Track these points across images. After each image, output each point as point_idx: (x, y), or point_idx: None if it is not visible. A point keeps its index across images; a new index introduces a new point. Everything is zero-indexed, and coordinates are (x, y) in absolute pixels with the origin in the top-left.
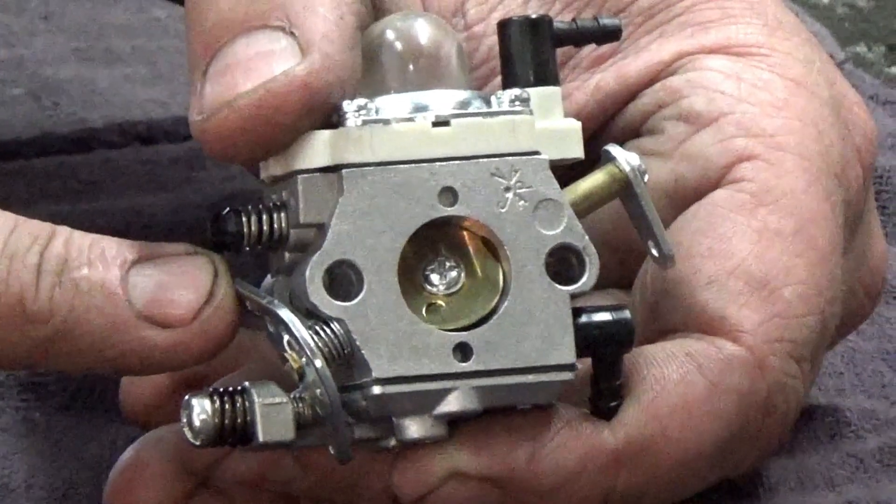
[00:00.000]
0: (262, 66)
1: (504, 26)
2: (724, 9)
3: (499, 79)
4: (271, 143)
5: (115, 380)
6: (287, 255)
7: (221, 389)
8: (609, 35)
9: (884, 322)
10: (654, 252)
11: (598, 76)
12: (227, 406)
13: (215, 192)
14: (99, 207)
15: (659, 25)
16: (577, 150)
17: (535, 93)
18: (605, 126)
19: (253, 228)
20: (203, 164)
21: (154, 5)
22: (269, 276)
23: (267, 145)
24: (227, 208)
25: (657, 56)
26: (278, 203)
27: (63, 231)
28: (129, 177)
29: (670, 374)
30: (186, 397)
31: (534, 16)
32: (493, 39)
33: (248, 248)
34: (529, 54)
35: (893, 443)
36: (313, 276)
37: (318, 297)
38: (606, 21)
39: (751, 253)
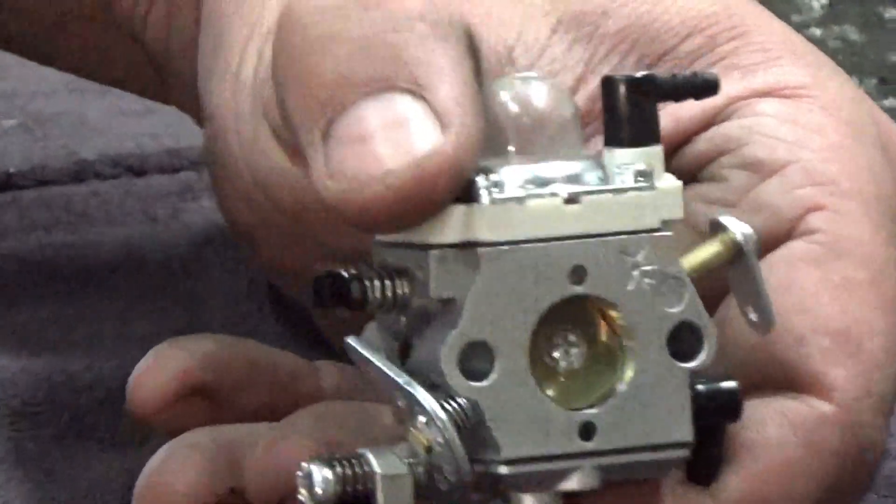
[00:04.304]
0: (402, 137)
1: (609, 84)
2: (767, 51)
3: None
4: (417, 219)
5: (107, 410)
6: (403, 318)
7: (339, 456)
8: (708, 89)
9: None
10: (753, 317)
11: None
12: (348, 474)
13: (207, 223)
14: (91, 239)
15: (705, 68)
16: (678, 211)
17: (639, 153)
18: None
19: (377, 294)
20: (194, 196)
21: None
22: (369, 324)
23: (412, 221)
24: (347, 273)
25: (710, 101)
26: (399, 268)
27: None
28: (121, 208)
29: (768, 437)
30: (305, 465)
31: (639, 75)
32: None
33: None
34: (634, 113)
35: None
36: (449, 357)
37: (454, 378)
38: (706, 74)
39: (834, 308)
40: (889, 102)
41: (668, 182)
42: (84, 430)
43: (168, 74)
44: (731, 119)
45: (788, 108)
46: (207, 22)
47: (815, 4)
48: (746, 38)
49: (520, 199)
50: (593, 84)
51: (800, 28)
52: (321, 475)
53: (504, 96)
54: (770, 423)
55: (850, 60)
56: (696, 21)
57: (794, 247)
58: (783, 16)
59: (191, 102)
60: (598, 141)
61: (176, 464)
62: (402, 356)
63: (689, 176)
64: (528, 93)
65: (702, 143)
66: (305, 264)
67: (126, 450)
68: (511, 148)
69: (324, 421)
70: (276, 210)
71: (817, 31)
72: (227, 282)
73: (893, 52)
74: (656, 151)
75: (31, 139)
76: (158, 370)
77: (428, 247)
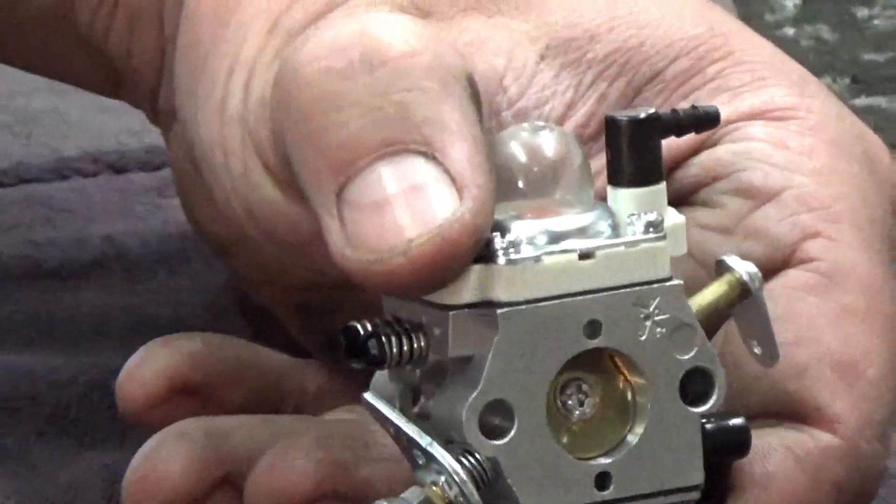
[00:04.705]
0: (421, 204)
1: (613, 124)
2: (753, 71)
3: None
4: (439, 285)
5: (88, 405)
6: (418, 371)
7: None
8: (709, 122)
9: None
10: (758, 351)
11: None
12: None
13: (186, 219)
14: (72, 235)
15: (694, 90)
16: (682, 247)
17: (642, 192)
18: None
19: (394, 351)
20: (173, 193)
21: None
22: (378, 373)
23: (434, 287)
24: (363, 330)
25: None
26: (415, 324)
27: None
28: (102, 205)
29: (772, 469)
30: None
31: (643, 115)
32: (540, 112)
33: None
34: (638, 153)
35: None
36: (470, 418)
37: (475, 438)
38: (706, 108)
39: (835, 338)
40: (861, 101)
41: (672, 219)
42: (65, 426)
43: (127, 79)
44: (722, 143)
45: (777, 130)
46: (184, 49)
47: (789, 4)
48: (732, 59)
49: (536, 259)
50: (583, 110)
51: (773, 27)
52: None
53: (514, 146)
54: (774, 456)
55: (823, 59)
56: (683, 43)
57: (793, 275)
58: (757, 15)
59: (147, 102)
60: (593, 162)
61: (167, 452)
62: (414, 401)
63: (682, 200)
64: (541, 144)
65: (694, 168)
66: (281, 277)
67: (107, 445)
68: (521, 196)
69: (324, 440)
70: (268, 240)
71: (790, 31)
72: (206, 276)
73: (866, 51)
74: (660, 189)
75: (13, 137)
76: (147, 368)
77: (446, 307)
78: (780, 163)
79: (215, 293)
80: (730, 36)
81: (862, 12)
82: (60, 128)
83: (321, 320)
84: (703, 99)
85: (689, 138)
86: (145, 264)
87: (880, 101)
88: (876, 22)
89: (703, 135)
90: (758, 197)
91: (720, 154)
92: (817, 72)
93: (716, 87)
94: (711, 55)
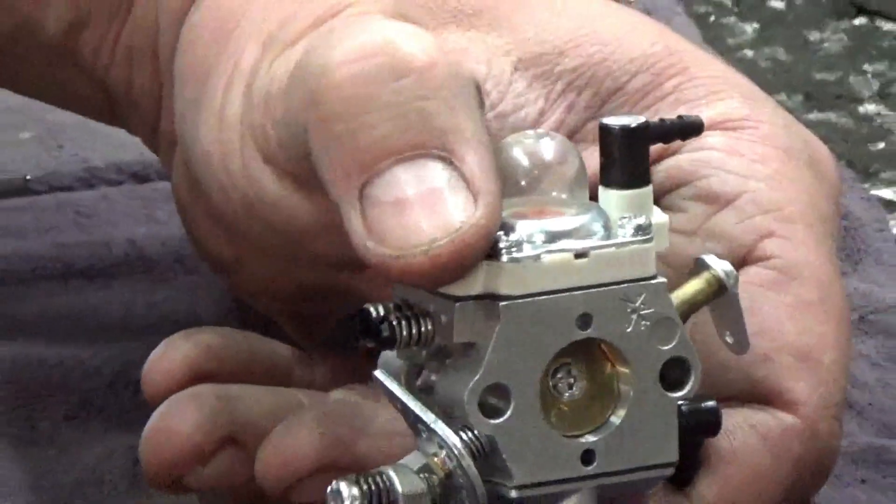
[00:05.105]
0: (440, 207)
1: (606, 131)
2: (706, 85)
3: None
4: (451, 280)
5: (113, 394)
6: (424, 352)
7: (364, 475)
8: (693, 130)
9: None
10: (730, 341)
11: None
12: (373, 489)
13: None
14: (99, 239)
15: (653, 104)
16: (664, 242)
17: (632, 194)
18: None
19: (404, 333)
20: None
21: None
22: (385, 352)
23: (447, 282)
24: (376, 313)
25: None
26: (423, 310)
27: None
28: (126, 211)
29: (739, 445)
30: (334, 483)
31: (634, 124)
32: (516, 117)
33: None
34: (629, 158)
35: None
36: (471, 400)
37: (475, 418)
38: (690, 117)
39: (793, 328)
40: (814, 116)
41: (657, 217)
42: (92, 411)
43: (128, 109)
44: (683, 152)
45: (732, 140)
46: (184, 73)
47: (748, 28)
48: (687, 74)
49: (536, 257)
50: (553, 117)
51: (734, 50)
52: (349, 492)
53: (517, 151)
54: (741, 434)
55: (779, 78)
56: (642, 60)
57: (752, 272)
58: (719, 38)
59: (146, 131)
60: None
61: (179, 409)
62: (417, 376)
63: None
64: (541, 149)
65: (658, 175)
66: (285, 285)
67: (130, 428)
68: (522, 197)
69: (326, 419)
70: (268, 232)
71: (749, 53)
72: None
73: (817, 71)
74: (647, 192)
75: (45, 149)
76: (169, 359)
77: (452, 298)
78: (736, 169)
79: (228, 291)
80: (684, 54)
81: (814, 36)
82: (88, 140)
83: (313, 325)
84: (664, 111)
85: (654, 147)
86: (165, 265)
87: (830, 115)
88: (826, 45)
89: (665, 145)
90: (717, 202)
91: (681, 162)
92: (773, 90)
93: (674, 100)
94: (668, 71)
